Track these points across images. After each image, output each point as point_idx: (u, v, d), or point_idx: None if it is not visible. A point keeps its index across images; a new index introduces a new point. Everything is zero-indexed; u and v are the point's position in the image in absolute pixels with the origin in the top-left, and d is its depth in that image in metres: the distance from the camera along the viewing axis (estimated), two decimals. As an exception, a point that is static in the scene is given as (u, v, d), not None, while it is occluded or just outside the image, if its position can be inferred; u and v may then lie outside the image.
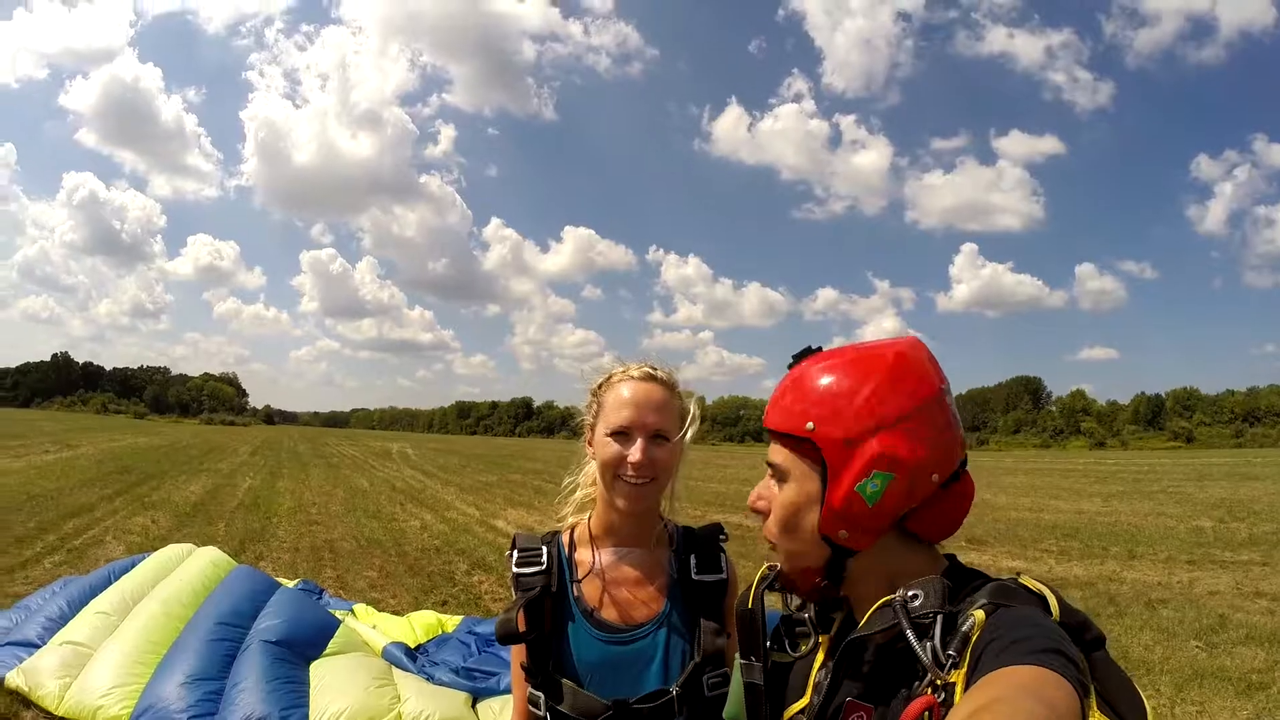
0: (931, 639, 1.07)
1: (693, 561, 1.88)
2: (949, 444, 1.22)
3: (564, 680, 1.77)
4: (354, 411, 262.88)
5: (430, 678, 5.06)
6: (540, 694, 1.79)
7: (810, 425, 1.22)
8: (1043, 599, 1.13)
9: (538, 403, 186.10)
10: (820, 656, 1.38)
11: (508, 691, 4.85)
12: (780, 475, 1.28)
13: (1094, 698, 0.99)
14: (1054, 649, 0.97)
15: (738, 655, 1.48)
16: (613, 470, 1.78)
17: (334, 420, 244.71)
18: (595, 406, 1.88)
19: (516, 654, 1.87)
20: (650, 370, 1.87)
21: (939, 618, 1.09)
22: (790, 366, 1.34)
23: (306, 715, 4.30)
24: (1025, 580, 1.17)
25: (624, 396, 1.82)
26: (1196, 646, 7.74)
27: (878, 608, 1.19)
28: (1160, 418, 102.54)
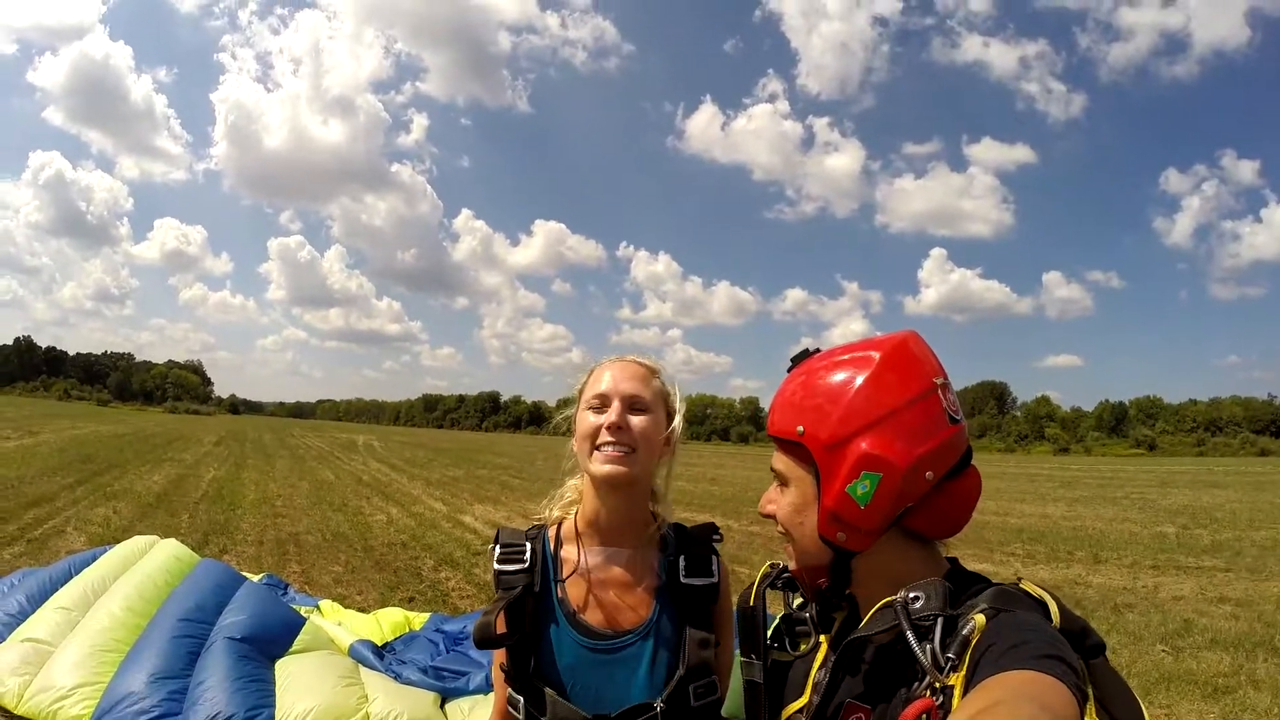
0: (931, 641, 1.07)
1: (682, 563, 1.79)
2: (945, 439, 1.21)
3: (545, 688, 1.68)
4: (320, 402, 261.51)
5: (398, 676, 4.97)
6: (520, 698, 1.71)
7: (800, 429, 1.25)
8: (1044, 605, 1.13)
9: (505, 397, 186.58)
10: (821, 656, 1.38)
11: (477, 692, 4.82)
12: (781, 480, 1.31)
13: (1092, 704, 1.00)
14: (1054, 655, 0.97)
15: (737, 653, 1.50)
16: (590, 441, 1.72)
17: (300, 411, 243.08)
18: (578, 396, 1.83)
19: (498, 653, 1.78)
20: (635, 358, 1.84)
21: (939, 620, 1.09)
22: (789, 370, 1.35)
23: (273, 715, 4.21)
24: (1027, 585, 1.17)
25: (603, 375, 1.78)
26: (1163, 650, 7.85)
27: (879, 608, 1.19)
28: (1124, 425, 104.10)
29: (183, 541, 6.50)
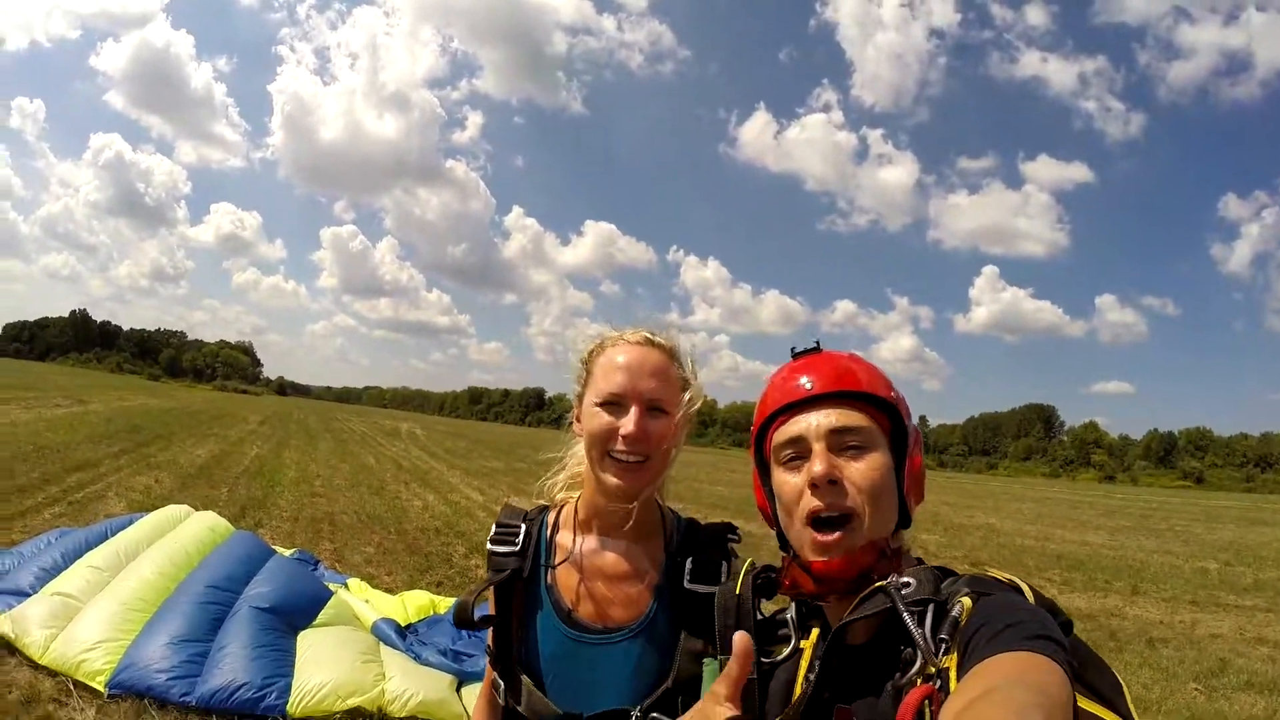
0: (924, 625, 1.06)
1: (688, 566, 1.59)
2: None
3: (523, 676, 1.59)
4: (366, 389, 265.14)
5: (417, 657, 5.01)
6: (502, 682, 1.63)
7: (894, 394, 1.26)
8: (1017, 589, 1.12)
9: (550, 394, 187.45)
10: (806, 661, 1.32)
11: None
12: (864, 440, 1.22)
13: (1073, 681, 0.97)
14: (1044, 634, 0.96)
15: (716, 650, 1.39)
16: (601, 445, 1.53)
17: (346, 396, 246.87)
18: (585, 375, 1.63)
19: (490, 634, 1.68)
20: (649, 335, 1.62)
21: (931, 605, 1.08)
22: (796, 356, 1.36)
23: (289, 685, 4.28)
24: (994, 573, 1.16)
25: (617, 362, 1.56)
26: (1195, 689, 7.63)
27: (870, 592, 1.15)
28: (1172, 456, 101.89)
29: (220, 514, 6.64)
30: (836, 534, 1.19)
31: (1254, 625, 10.72)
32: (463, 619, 1.62)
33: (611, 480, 1.53)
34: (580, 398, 1.63)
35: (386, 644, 5.10)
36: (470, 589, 1.64)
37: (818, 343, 1.37)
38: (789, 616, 1.37)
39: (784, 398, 1.29)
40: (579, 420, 1.63)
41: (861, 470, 1.20)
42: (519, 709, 1.59)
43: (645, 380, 1.55)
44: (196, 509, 6.75)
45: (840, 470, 1.20)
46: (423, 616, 6.15)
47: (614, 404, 1.53)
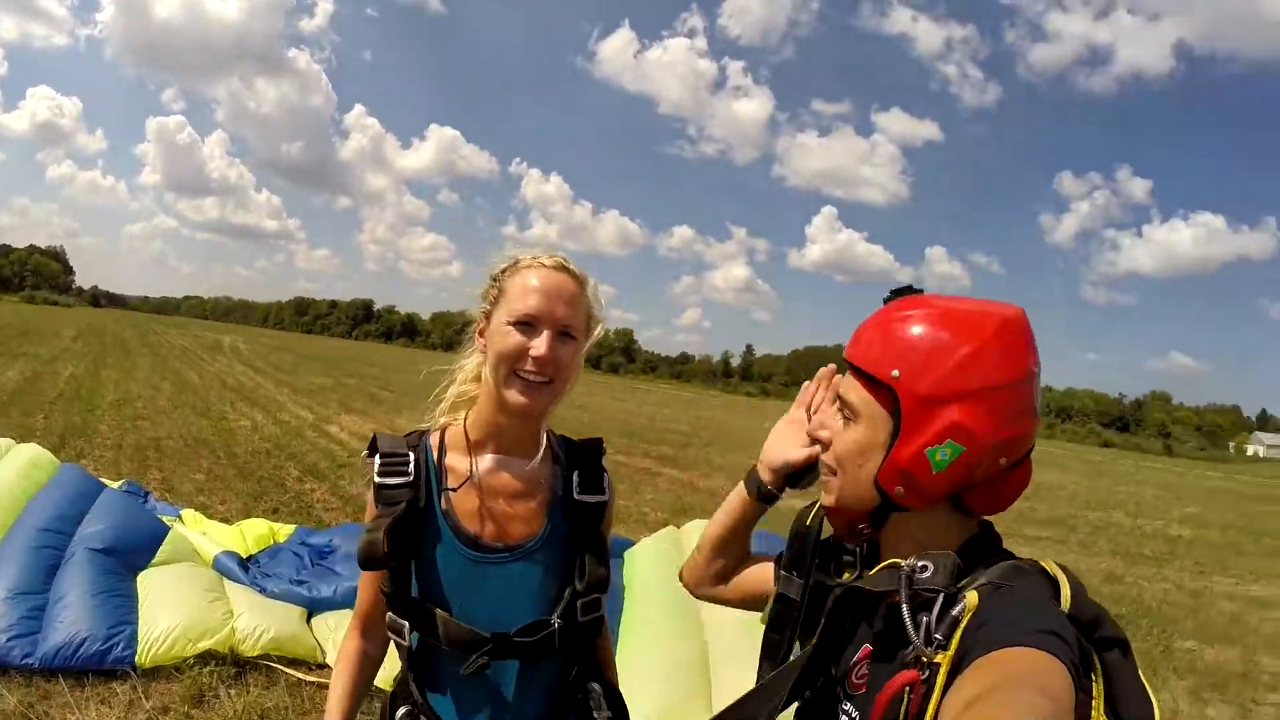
0: (929, 614, 1.04)
1: (576, 479, 1.68)
2: (1026, 430, 1.17)
3: (436, 610, 1.56)
4: (186, 299, 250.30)
5: (263, 590, 4.98)
6: (405, 622, 1.59)
7: (895, 373, 1.15)
8: (1055, 584, 1.09)
9: (379, 306, 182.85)
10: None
11: (343, 604, 4.86)
12: (851, 413, 1.21)
13: (1101, 701, 0.98)
14: (1047, 629, 0.95)
15: (781, 567, 1.46)
16: (510, 363, 1.54)
17: (164, 307, 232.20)
18: (495, 293, 1.62)
19: (372, 575, 1.66)
20: (563, 261, 1.64)
21: (940, 595, 1.06)
22: (886, 301, 1.26)
23: (135, 632, 4.19)
24: (1045, 563, 1.14)
25: (532, 284, 1.57)
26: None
27: (884, 567, 1.16)
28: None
29: (40, 445, 6.25)
30: (825, 480, 1.28)
31: (1046, 554, 11.96)
32: (372, 558, 1.54)
33: (516, 398, 1.55)
34: (487, 315, 1.62)
35: (230, 579, 5.03)
36: (368, 527, 1.55)
37: (910, 286, 1.28)
38: (858, 549, 1.39)
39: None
40: (481, 336, 1.63)
41: (841, 440, 1.22)
42: (437, 642, 1.57)
43: (560, 305, 1.57)
44: (15, 440, 6.29)
45: (832, 434, 1.25)
46: (263, 547, 6.07)
47: (527, 325, 1.55)
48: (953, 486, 1.15)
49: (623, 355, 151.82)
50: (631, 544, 5.82)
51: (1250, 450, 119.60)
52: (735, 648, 4.26)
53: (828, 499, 1.27)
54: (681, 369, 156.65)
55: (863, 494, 1.20)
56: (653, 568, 5.17)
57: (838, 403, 1.25)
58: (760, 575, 1.57)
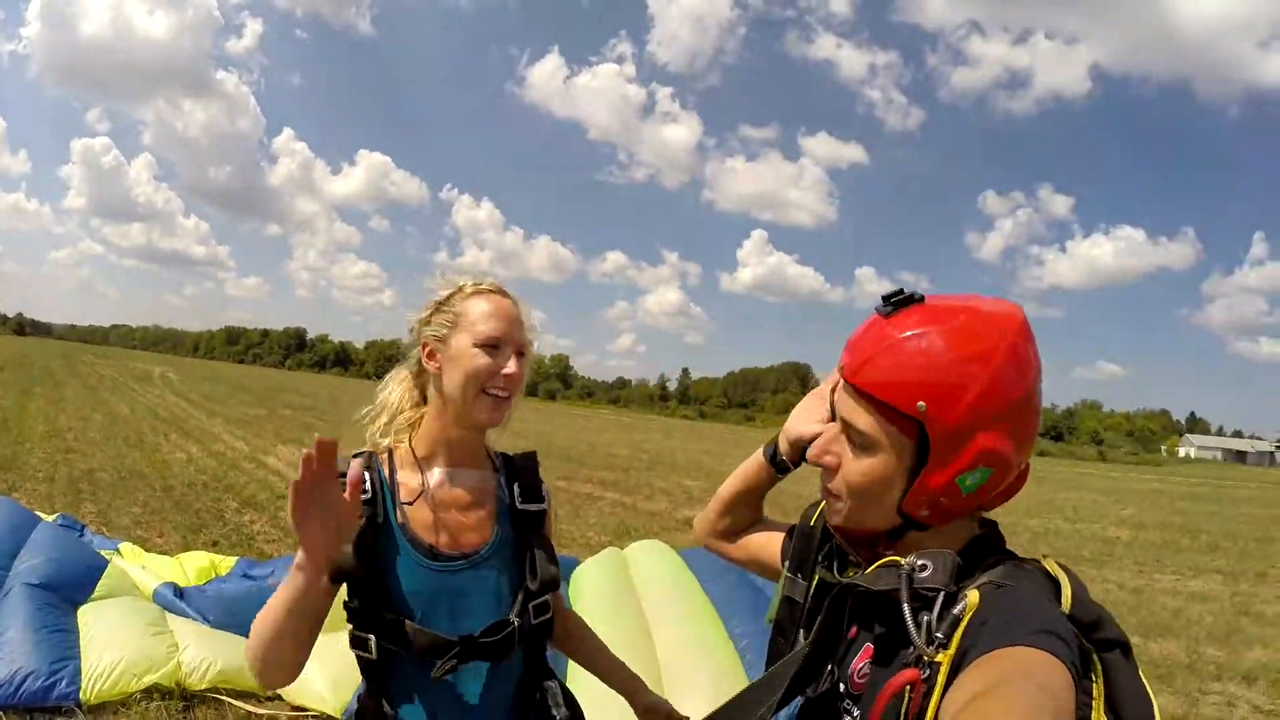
0: (930, 613, 1.04)
1: (516, 489, 1.81)
2: (1037, 428, 1.16)
3: (404, 620, 1.61)
4: (114, 327, 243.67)
5: (206, 620, 4.89)
6: (370, 635, 1.63)
7: (922, 406, 1.09)
8: (1057, 584, 1.09)
9: (311, 334, 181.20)
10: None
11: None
12: (865, 444, 1.15)
13: (1101, 702, 0.98)
14: (1047, 629, 0.95)
15: (785, 567, 1.47)
16: (479, 383, 1.66)
17: (91, 336, 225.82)
18: (453, 318, 1.71)
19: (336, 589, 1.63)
20: (499, 286, 1.80)
21: (941, 594, 1.05)
22: (880, 311, 1.19)
23: (78, 668, 4.08)
24: (1047, 563, 1.14)
25: (487, 309, 1.71)
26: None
27: (882, 565, 1.15)
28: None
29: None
30: (829, 500, 1.25)
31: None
32: (343, 572, 1.59)
33: (484, 415, 1.69)
34: (441, 339, 1.71)
35: (171, 611, 4.92)
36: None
37: (900, 290, 1.20)
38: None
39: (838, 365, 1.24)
40: (432, 359, 1.72)
41: (854, 469, 1.18)
42: (406, 651, 1.62)
43: (516, 327, 1.73)
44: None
45: (840, 459, 1.20)
46: (204, 580, 5.91)
47: (493, 347, 1.68)
48: (979, 504, 1.16)
49: (559, 381, 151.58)
50: (577, 563, 5.87)
51: (1182, 452, 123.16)
52: (681, 666, 4.27)
53: (835, 519, 1.25)
54: (618, 394, 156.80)
55: (883, 519, 1.19)
56: (600, 587, 5.22)
57: (843, 426, 1.19)
58: (768, 543, 1.62)
